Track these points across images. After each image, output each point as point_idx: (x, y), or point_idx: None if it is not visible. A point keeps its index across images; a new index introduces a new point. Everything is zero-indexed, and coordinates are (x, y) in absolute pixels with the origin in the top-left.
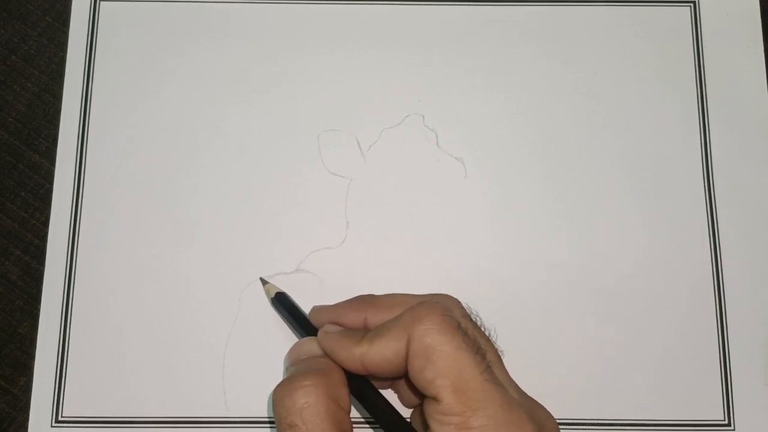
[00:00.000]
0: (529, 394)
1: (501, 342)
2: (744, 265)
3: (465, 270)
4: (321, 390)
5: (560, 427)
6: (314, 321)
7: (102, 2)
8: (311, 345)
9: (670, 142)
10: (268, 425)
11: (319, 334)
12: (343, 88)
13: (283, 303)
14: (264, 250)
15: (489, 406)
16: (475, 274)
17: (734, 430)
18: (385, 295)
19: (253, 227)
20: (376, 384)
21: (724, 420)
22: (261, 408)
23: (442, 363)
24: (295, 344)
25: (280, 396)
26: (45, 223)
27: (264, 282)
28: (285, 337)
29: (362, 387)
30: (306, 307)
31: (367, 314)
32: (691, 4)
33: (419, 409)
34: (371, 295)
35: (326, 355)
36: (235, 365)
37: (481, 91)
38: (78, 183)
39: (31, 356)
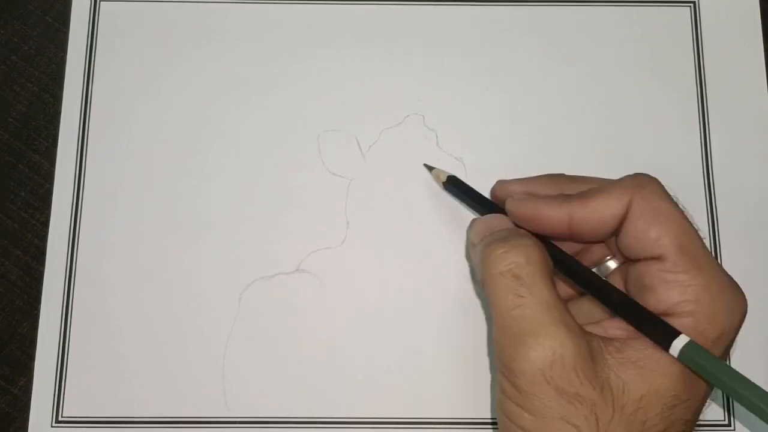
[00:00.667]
0: None
1: None
2: (744, 265)
3: (465, 270)
4: (538, 251)
5: None
6: (500, 194)
7: (102, 2)
8: (500, 220)
9: (670, 142)
10: (268, 425)
11: (508, 202)
12: (343, 88)
13: (457, 187)
14: (264, 250)
15: (712, 268)
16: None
17: (734, 430)
18: (580, 176)
19: (253, 227)
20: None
21: (724, 420)
22: (261, 408)
23: (668, 223)
24: (478, 220)
25: (499, 252)
26: (45, 224)
27: (429, 168)
28: (285, 337)
29: (559, 254)
30: (303, 306)
31: (563, 188)
32: (691, 4)
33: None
34: (562, 174)
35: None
36: (235, 365)
37: (481, 91)
38: (78, 183)
39: (31, 356)
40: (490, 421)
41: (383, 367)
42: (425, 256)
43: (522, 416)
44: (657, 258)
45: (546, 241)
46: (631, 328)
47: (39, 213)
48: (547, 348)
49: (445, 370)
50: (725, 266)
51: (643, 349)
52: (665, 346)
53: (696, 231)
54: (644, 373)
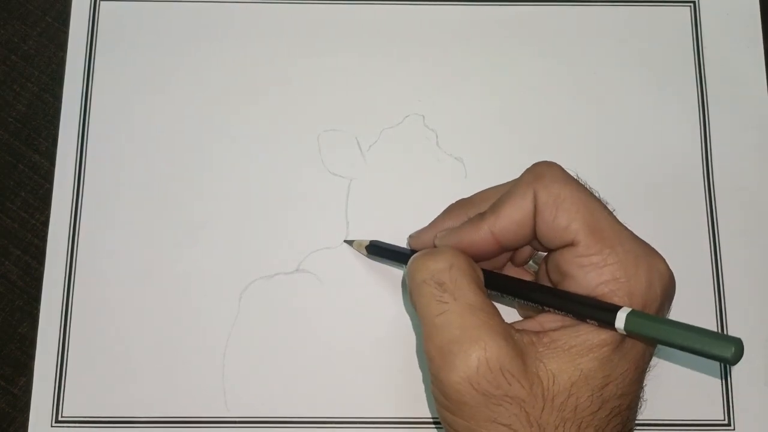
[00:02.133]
0: None
1: None
2: (744, 265)
3: None
4: (462, 255)
5: None
6: (417, 246)
7: (102, 2)
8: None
9: (670, 142)
10: (268, 425)
11: (436, 240)
12: (343, 88)
13: (379, 249)
14: (264, 250)
15: (624, 241)
16: None
17: (734, 430)
18: (475, 194)
19: (253, 227)
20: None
21: (724, 420)
22: (261, 408)
23: (573, 208)
24: (412, 259)
25: (422, 260)
26: (45, 223)
27: (349, 242)
28: (285, 337)
29: (485, 273)
30: (302, 306)
31: (467, 214)
32: (691, 4)
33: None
34: (461, 199)
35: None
36: (235, 365)
37: (481, 91)
38: (78, 183)
39: (31, 356)
40: None
41: (383, 367)
42: None
43: (456, 422)
44: (570, 244)
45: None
46: (565, 319)
47: (39, 213)
48: (471, 355)
49: None
50: (725, 266)
51: (576, 336)
52: (607, 322)
53: (605, 208)
54: (575, 359)
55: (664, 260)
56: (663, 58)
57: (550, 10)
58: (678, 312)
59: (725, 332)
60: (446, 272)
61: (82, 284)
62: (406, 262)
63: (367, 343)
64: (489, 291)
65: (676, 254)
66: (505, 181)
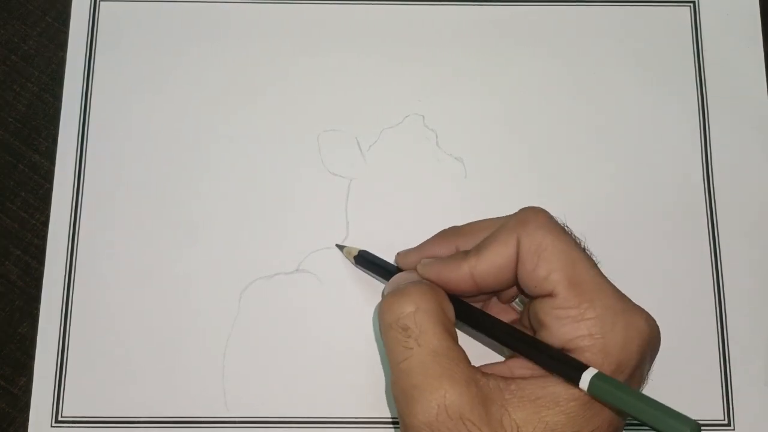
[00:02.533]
0: None
1: None
2: (744, 265)
3: None
4: (430, 297)
5: None
6: (403, 265)
7: (102, 2)
8: (409, 275)
9: (670, 142)
10: (268, 425)
11: (418, 267)
12: (343, 88)
13: (367, 260)
14: (264, 250)
15: (604, 297)
16: None
17: (734, 430)
18: (467, 224)
19: (253, 227)
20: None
21: (724, 420)
22: (261, 408)
23: (554, 258)
24: (392, 279)
25: (389, 302)
26: (45, 223)
27: (341, 247)
28: (285, 337)
29: (461, 305)
30: (302, 306)
31: (456, 244)
32: (691, 4)
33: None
34: (454, 227)
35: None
36: (235, 365)
37: (481, 91)
38: (78, 183)
39: (31, 356)
40: None
41: (383, 367)
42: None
43: None
44: (549, 295)
45: (449, 294)
46: (535, 367)
47: (39, 213)
48: (432, 401)
49: None
50: (725, 266)
51: (544, 387)
52: (573, 380)
53: (588, 259)
54: (540, 411)
55: (645, 316)
56: (663, 58)
57: (550, 10)
58: (678, 312)
59: (725, 332)
60: (411, 316)
61: (82, 284)
62: (388, 279)
63: (367, 343)
64: (462, 323)
65: (676, 254)
66: (504, 182)
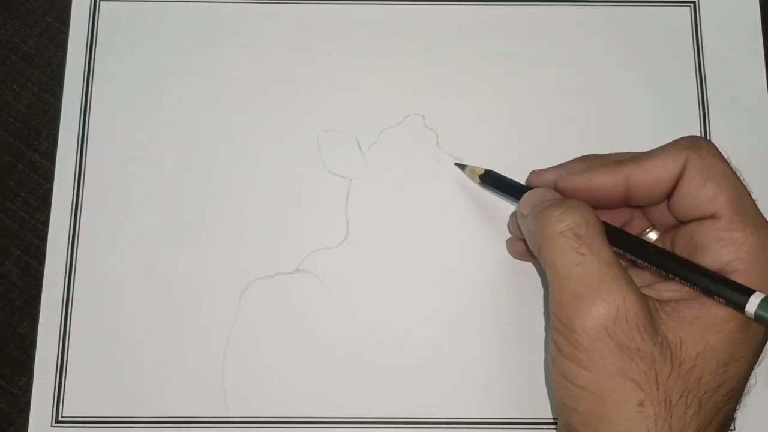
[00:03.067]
0: (528, 389)
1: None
2: None
3: (465, 270)
4: (593, 213)
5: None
6: (538, 184)
7: (102, 2)
8: (548, 192)
9: None
10: (268, 425)
11: (561, 180)
12: (343, 88)
13: (493, 180)
14: (264, 250)
15: (766, 225)
16: (475, 274)
17: (734, 430)
18: (609, 153)
19: (253, 227)
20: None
21: None
22: (261, 408)
23: (723, 182)
24: (527, 193)
25: (559, 211)
26: (45, 223)
27: (461, 166)
28: (285, 337)
29: (611, 229)
30: (302, 306)
31: (595, 164)
32: (691, 4)
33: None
34: (595, 154)
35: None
36: (235, 365)
37: (482, 91)
38: (78, 183)
39: (31, 356)
40: (491, 420)
41: (383, 367)
42: (425, 256)
43: (580, 374)
44: (711, 217)
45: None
46: (685, 290)
47: (39, 213)
48: (611, 303)
49: (444, 369)
50: None
51: (699, 308)
52: (737, 304)
53: (749, 193)
54: (700, 331)
55: None
56: (663, 58)
57: (550, 10)
58: None
59: None
60: (583, 226)
61: (82, 284)
62: (518, 198)
63: (367, 343)
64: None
65: None
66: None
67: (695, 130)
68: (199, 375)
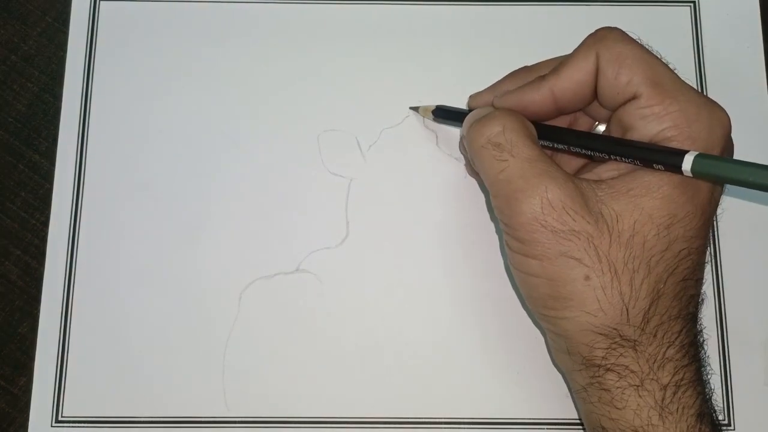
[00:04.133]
0: (529, 389)
1: (511, 337)
2: (744, 266)
3: (465, 270)
4: (514, 117)
5: (559, 426)
6: (477, 105)
7: (102, 2)
8: (485, 109)
9: None
10: (268, 425)
11: (495, 99)
12: (343, 88)
13: (445, 111)
14: (264, 250)
15: (685, 92)
16: (475, 273)
17: (734, 430)
18: (537, 63)
19: (253, 227)
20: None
21: (724, 420)
22: (261, 408)
23: (635, 64)
24: (469, 115)
25: (477, 127)
26: (45, 223)
27: (415, 108)
28: (285, 337)
29: (541, 127)
30: (302, 306)
31: (527, 79)
32: (691, 4)
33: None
34: (523, 66)
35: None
36: (235, 365)
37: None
38: (78, 183)
39: (31, 356)
40: (491, 420)
41: (383, 367)
42: (425, 256)
43: (529, 264)
44: (632, 98)
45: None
46: (621, 167)
47: (39, 213)
48: (535, 197)
49: (444, 369)
50: (725, 266)
51: (632, 180)
52: (674, 166)
53: (665, 64)
54: (635, 200)
55: (724, 111)
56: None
57: (551, 10)
58: None
59: (725, 332)
60: (501, 134)
61: (82, 284)
62: None
63: (367, 343)
64: (545, 144)
65: None
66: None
67: None
68: (199, 375)
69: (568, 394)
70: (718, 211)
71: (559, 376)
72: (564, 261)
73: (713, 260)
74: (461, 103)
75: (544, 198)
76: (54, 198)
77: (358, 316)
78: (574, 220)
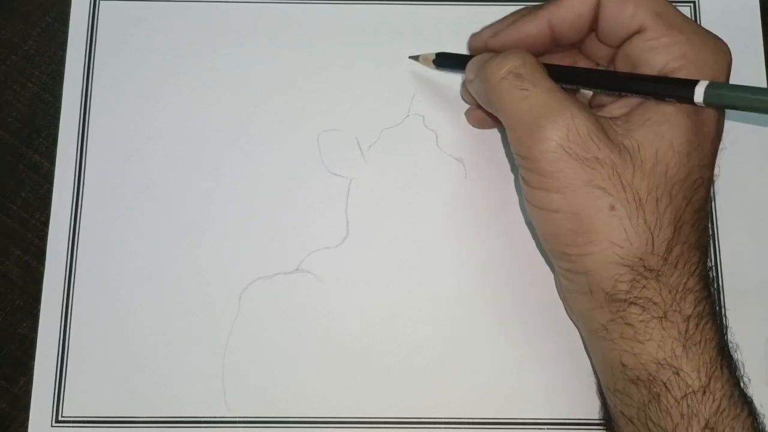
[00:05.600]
0: (529, 389)
1: (512, 337)
2: (744, 265)
3: (465, 270)
4: (530, 55)
5: (560, 426)
6: (478, 44)
7: (102, 2)
8: (487, 55)
9: None
10: (268, 425)
11: (490, 41)
12: (343, 88)
13: (447, 58)
14: (264, 250)
15: (689, 24)
16: (475, 273)
17: None
18: (536, 3)
19: (253, 227)
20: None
21: None
22: (261, 408)
23: None
24: (470, 61)
25: (497, 61)
26: (45, 223)
27: (415, 57)
28: (285, 337)
29: (553, 68)
30: (302, 306)
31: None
32: (691, 4)
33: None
34: (522, 8)
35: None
36: (235, 365)
37: None
38: (78, 183)
39: (31, 356)
40: (491, 420)
41: (383, 367)
42: (425, 256)
43: (551, 198)
44: (638, 32)
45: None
46: (633, 102)
47: (39, 213)
48: (560, 123)
49: (445, 369)
50: (725, 266)
51: (647, 111)
52: (685, 97)
53: (668, 1)
54: (654, 129)
55: (726, 45)
56: None
57: None
58: None
59: (726, 336)
60: (521, 67)
61: (82, 284)
62: None
63: (368, 343)
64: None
65: None
66: (504, 182)
67: None
68: (199, 375)
69: (568, 394)
70: (718, 210)
71: (560, 376)
72: (588, 191)
73: (713, 260)
74: (462, 108)
75: (570, 124)
76: (54, 198)
77: (358, 316)
78: (599, 147)
